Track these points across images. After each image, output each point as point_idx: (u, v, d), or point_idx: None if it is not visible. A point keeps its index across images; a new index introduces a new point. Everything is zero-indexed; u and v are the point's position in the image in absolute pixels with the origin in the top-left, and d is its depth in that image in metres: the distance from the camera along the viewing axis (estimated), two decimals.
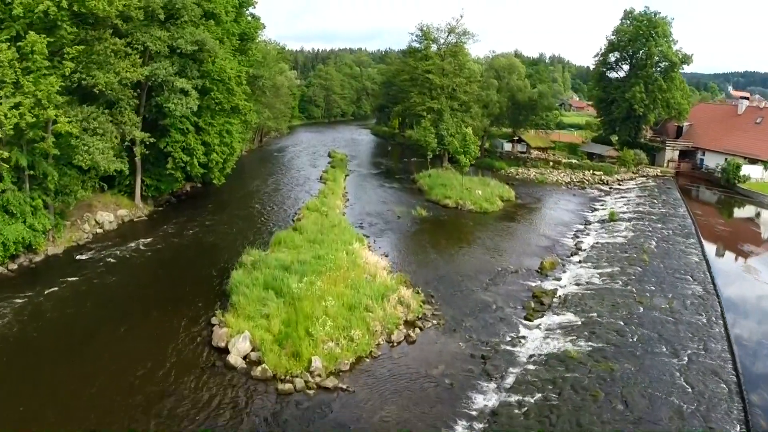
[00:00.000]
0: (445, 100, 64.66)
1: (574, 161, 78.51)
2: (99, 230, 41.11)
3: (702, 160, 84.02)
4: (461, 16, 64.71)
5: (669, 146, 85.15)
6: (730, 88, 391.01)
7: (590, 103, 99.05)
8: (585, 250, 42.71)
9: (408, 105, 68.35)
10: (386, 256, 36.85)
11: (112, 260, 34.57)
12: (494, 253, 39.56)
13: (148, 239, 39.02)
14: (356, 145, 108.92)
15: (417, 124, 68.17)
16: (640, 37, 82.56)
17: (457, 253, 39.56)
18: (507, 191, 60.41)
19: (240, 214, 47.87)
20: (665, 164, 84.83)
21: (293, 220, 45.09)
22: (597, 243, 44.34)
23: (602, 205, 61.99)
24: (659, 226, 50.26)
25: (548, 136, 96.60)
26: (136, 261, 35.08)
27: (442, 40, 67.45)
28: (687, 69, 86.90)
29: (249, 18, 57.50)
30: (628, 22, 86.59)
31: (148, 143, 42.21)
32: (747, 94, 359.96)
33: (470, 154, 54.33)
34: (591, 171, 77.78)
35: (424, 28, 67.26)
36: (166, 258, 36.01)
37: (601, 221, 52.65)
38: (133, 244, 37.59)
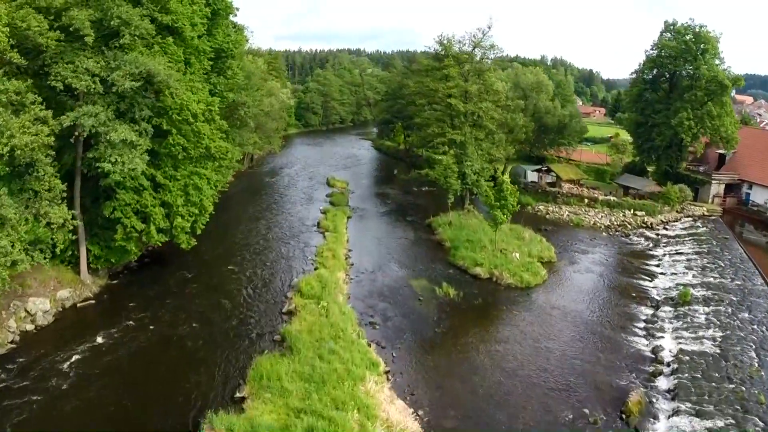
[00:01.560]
0: (469, 129, 52.36)
1: (612, 199, 66.67)
2: (30, 326, 29.89)
3: (748, 194, 72.47)
4: (489, 27, 50.94)
5: (715, 179, 73.48)
6: (733, 91, 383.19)
7: (624, 127, 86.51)
8: (669, 365, 30.83)
9: (424, 135, 55.76)
10: (413, 395, 25.07)
11: (40, 385, 23.27)
12: (556, 378, 27.73)
13: (96, 339, 28.05)
14: (357, 165, 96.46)
15: (428, 146, 55.58)
16: (685, 54, 70.68)
17: (507, 381, 27.61)
18: (546, 249, 48.58)
19: (214, 302, 35.41)
20: (710, 200, 73.20)
21: (282, 314, 33.05)
22: (681, 352, 32.44)
23: (658, 263, 50.34)
24: (746, 315, 38.24)
25: (569, 154, 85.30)
26: (76, 385, 23.97)
27: (464, 56, 54.83)
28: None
29: (229, 29, 44.88)
30: (669, 35, 74.66)
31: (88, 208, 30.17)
32: (750, 98, 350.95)
33: (507, 208, 42.62)
34: (632, 211, 65.98)
35: (445, 42, 54.72)
36: (121, 379, 24.90)
37: (671, 302, 40.81)
38: (76, 351, 26.74)
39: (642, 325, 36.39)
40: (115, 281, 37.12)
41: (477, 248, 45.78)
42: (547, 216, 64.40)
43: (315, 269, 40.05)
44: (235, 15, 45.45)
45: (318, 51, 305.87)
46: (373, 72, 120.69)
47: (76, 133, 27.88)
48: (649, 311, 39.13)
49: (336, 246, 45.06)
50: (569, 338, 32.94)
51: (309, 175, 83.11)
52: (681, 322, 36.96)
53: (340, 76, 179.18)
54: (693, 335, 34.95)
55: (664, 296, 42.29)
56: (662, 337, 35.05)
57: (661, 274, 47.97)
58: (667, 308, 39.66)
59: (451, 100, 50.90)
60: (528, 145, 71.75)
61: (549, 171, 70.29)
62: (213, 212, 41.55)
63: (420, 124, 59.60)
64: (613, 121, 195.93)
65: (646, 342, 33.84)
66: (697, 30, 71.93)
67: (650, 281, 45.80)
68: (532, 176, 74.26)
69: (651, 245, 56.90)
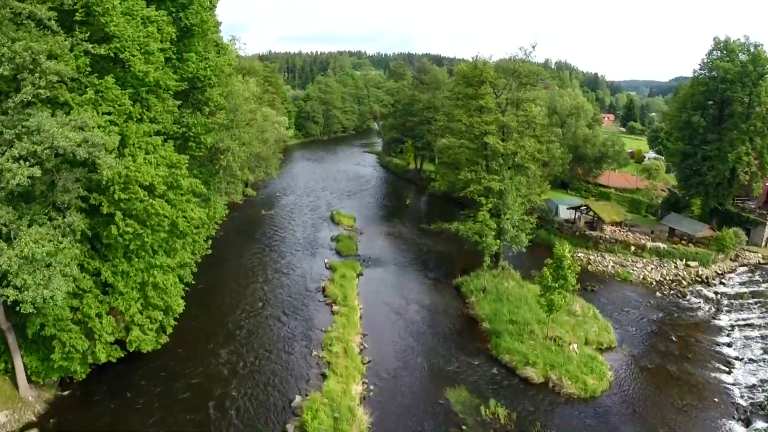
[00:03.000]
0: (509, 173, 42.41)
1: (662, 246, 57.12)
2: None
3: None
4: (533, 47, 40.90)
5: None
6: None
7: (669, 159, 75.69)
8: None
9: (452, 178, 45.53)
10: None
11: None
12: None
13: None
14: (363, 188, 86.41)
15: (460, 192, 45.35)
16: (742, 78, 61.10)
17: None
18: (604, 329, 39.13)
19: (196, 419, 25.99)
20: (763, 243, 63.97)
21: None
22: None
23: (729, 341, 41.07)
24: None
25: (596, 177, 75.90)
26: None
27: (502, 81, 44.69)
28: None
29: (208, 51, 34.59)
30: (719, 53, 65.05)
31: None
32: None
33: (567, 288, 33.27)
34: (684, 261, 56.54)
35: (479, 64, 44.59)
36: None
37: (762, 411, 31.63)
38: None
39: None
40: (66, 392, 27.59)
41: (524, 333, 36.29)
42: (589, 267, 54.91)
43: (322, 376, 30.50)
44: (216, 32, 35.50)
45: (318, 53, 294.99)
46: (378, 82, 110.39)
47: None
48: (741, 430, 30.03)
49: (347, 332, 35.35)
50: None
51: (311, 205, 73.25)
52: None
53: (342, 83, 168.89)
54: None
55: (750, 400, 33.27)
56: None
57: (737, 359, 38.81)
58: (761, 425, 30.46)
59: (489, 138, 40.83)
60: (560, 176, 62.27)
61: (588, 211, 60.68)
62: (196, 269, 32.11)
63: (447, 162, 49.49)
64: (624, 130, 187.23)
65: None
66: (753, 49, 62.44)
67: (728, 372, 36.61)
68: (564, 212, 64.66)
69: (712, 310, 47.65)
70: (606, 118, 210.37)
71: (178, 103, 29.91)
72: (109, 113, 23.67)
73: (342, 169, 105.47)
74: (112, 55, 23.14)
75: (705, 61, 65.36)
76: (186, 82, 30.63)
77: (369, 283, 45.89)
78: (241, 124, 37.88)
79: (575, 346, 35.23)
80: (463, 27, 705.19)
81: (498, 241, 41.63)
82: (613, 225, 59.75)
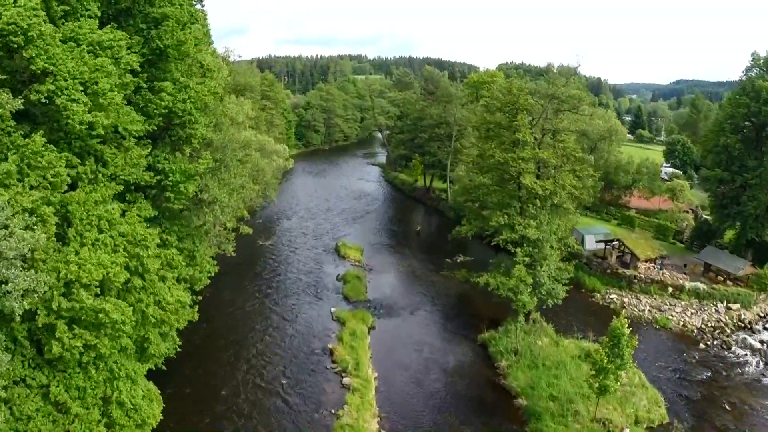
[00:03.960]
0: (546, 217, 36.60)
1: (701, 287, 51.58)
2: None
3: None
4: (578, 67, 35.30)
5: None
6: None
7: (705, 187, 69.20)
8: None
9: (475, 224, 39.58)
10: None
11: None
12: None
13: None
14: (369, 210, 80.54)
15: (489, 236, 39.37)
16: None
17: None
18: (654, 401, 33.69)
19: None
20: None
21: None
22: None
23: None
24: None
25: (618, 199, 70.18)
26: None
27: (538, 106, 38.73)
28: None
29: (190, 75, 28.56)
30: (758, 70, 59.55)
31: None
32: None
33: (623, 368, 27.81)
34: (724, 303, 51.05)
35: (514, 88, 38.46)
36: None
37: None
38: None
39: None
40: None
41: (567, 415, 30.74)
42: (624, 311, 49.20)
43: None
44: (202, 50, 29.71)
45: (319, 57, 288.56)
46: (382, 91, 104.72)
47: None
48: None
49: (362, 416, 29.65)
50: None
51: (314, 232, 67.51)
52: None
53: (344, 90, 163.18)
54: None
55: None
56: None
57: None
58: None
59: (525, 178, 34.91)
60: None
61: (621, 245, 55.00)
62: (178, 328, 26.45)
63: (471, 199, 43.47)
64: (633, 137, 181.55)
65: None
66: None
67: None
68: (590, 242, 58.82)
69: (761, 365, 42.32)
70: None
71: (149, 148, 24.24)
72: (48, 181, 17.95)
73: (345, 185, 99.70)
74: (43, 100, 17.46)
75: (742, 78, 59.93)
76: (161, 118, 24.94)
77: (382, 340, 40.17)
78: (232, 165, 31.98)
79: (628, 430, 29.69)
80: (464, 29, 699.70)
81: (534, 299, 35.94)
82: (648, 263, 54.13)
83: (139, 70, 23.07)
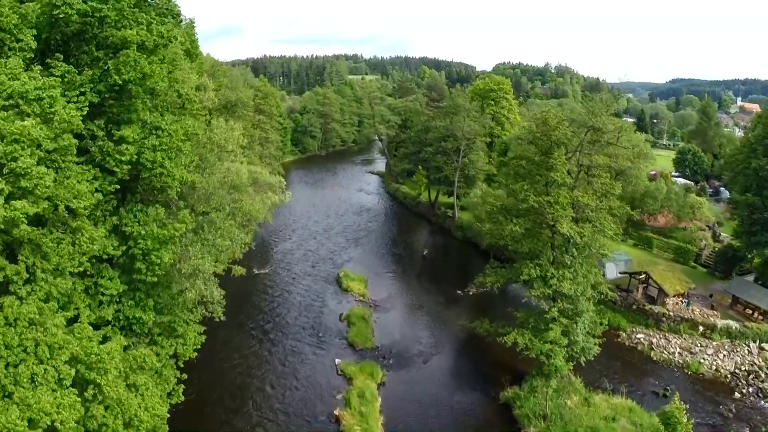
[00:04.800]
0: (582, 268, 31.92)
1: (734, 326, 47.45)
2: None
3: None
4: (616, 97, 30.32)
5: None
6: (739, 99, 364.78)
7: (736, 211, 64.55)
8: None
9: (502, 274, 34.69)
10: None
11: None
12: None
13: None
14: (371, 230, 75.53)
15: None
16: None
17: None
18: None
19: None
20: None
21: None
22: None
23: None
24: None
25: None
26: None
27: (575, 140, 33.56)
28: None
29: (173, 96, 23.81)
30: None
31: None
32: (756, 106, 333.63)
33: None
34: (757, 342, 46.87)
35: (552, 120, 32.50)
36: None
37: None
38: None
39: None
40: None
41: None
42: (653, 353, 45.02)
43: None
44: (184, 75, 24.87)
45: (314, 56, 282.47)
46: (382, 98, 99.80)
47: None
48: None
49: None
50: None
51: (313, 257, 62.64)
52: None
53: (341, 93, 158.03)
54: None
55: None
56: None
57: None
58: None
59: (562, 226, 30.16)
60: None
61: (648, 279, 50.60)
62: None
63: (496, 244, 38.38)
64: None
65: None
66: None
67: None
68: (612, 271, 54.33)
69: None
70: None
71: (112, 203, 19.44)
72: None
73: (344, 197, 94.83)
74: None
75: None
76: (126, 170, 20.10)
77: (394, 400, 35.50)
78: (219, 220, 26.80)
79: None
80: (459, 28, 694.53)
81: (569, 363, 31.43)
82: (677, 297, 49.79)
83: (80, 117, 18.08)
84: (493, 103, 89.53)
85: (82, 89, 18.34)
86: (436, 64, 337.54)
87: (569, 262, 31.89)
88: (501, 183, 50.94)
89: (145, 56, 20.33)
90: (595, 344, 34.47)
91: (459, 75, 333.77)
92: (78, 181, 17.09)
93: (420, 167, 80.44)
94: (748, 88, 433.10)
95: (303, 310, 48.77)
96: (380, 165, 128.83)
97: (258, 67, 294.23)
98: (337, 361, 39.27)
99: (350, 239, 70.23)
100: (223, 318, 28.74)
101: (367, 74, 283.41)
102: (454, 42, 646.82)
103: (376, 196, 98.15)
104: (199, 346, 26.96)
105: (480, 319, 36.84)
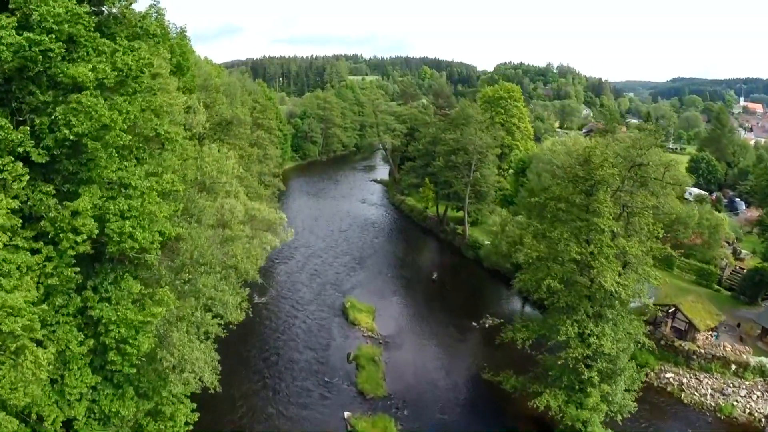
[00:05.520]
0: (623, 323, 28.14)
1: (766, 363, 44.03)
2: None
3: None
4: (666, 130, 26.66)
5: None
6: (742, 99, 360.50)
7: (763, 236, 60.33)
8: None
9: (534, 329, 30.37)
10: None
11: None
12: None
13: None
14: (375, 249, 71.51)
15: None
16: None
17: None
18: None
19: None
20: None
21: None
22: None
23: None
24: None
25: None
26: None
27: (619, 177, 29.40)
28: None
29: (152, 144, 19.98)
30: None
31: None
32: (759, 106, 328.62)
33: None
34: None
35: (596, 154, 28.34)
36: None
37: None
38: None
39: None
40: None
41: None
42: (683, 395, 41.52)
43: None
44: (165, 114, 21.01)
45: (314, 57, 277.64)
46: (387, 107, 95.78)
47: None
48: None
49: None
50: None
51: (316, 282, 58.82)
52: None
53: (342, 97, 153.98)
54: None
55: None
56: None
57: None
58: None
59: (606, 280, 26.25)
60: None
61: (676, 312, 46.94)
62: None
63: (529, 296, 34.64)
64: None
65: None
66: None
67: None
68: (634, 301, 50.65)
69: None
70: (619, 131, 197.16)
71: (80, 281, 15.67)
72: None
73: (347, 210, 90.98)
74: None
75: None
76: (89, 241, 16.32)
77: None
78: (208, 290, 22.60)
79: None
80: (460, 28, 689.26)
81: (608, 430, 27.80)
82: (707, 332, 46.17)
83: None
84: (502, 111, 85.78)
85: (23, 148, 14.52)
86: (437, 65, 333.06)
87: (611, 316, 28.18)
88: (520, 208, 47.39)
89: (106, 97, 16.42)
90: (633, 399, 30.87)
91: (460, 75, 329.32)
92: (13, 287, 13.34)
93: (427, 180, 76.65)
94: (750, 87, 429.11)
95: (308, 346, 45.03)
96: (382, 171, 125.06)
97: (257, 68, 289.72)
98: (346, 414, 35.54)
99: (355, 259, 66.48)
100: (219, 389, 24.93)
101: (367, 75, 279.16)
102: (454, 42, 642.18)
103: (381, 208, 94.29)
104: (191, 426, 23.22)
105: (505, 372, 33.12)
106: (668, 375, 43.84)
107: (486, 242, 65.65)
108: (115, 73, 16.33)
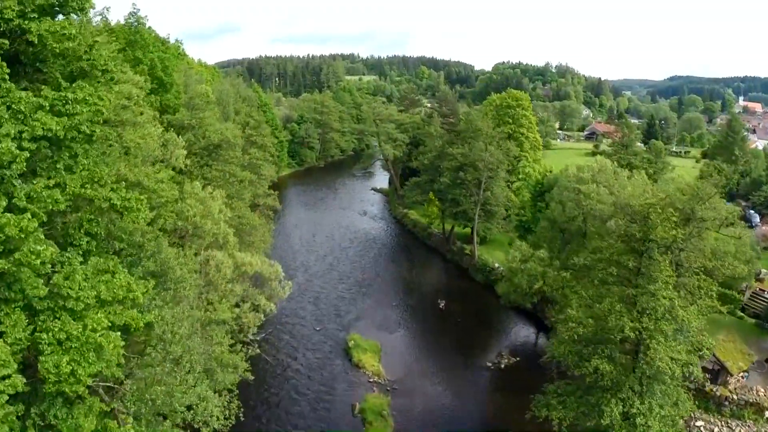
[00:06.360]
0: (675, 394, 24.16)
1: None
2: None
3: None
4: (725, 187, 25.15)
5: None
6: (740, 98, 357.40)
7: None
8: None
9: (572, 409, 26.11)
10: None
11: None
12: None
13: None
14: (378, 272, 67.20)
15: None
16: None
17: None
18: None
19: None
20: None
21: None
22: None
23: None
24: None
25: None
26: None
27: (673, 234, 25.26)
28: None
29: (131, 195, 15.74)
30: None
31: None
32: (758, 105, 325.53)
33: None
34: None
35: (654, 216, 23.59)
36: None
37: None
38: None
39: None
40: None
41: None
42: None
43: None
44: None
45: (311, 57, 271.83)
46: (389, 115, 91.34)
47: None
48: None
49: None
50: None
51: (315, 313, 54.51)
52: None
53: (340, 100, 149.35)
54: None
55: None
56: None
57: None
58: None
59: (661, 360, 22.01)
60: None
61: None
62: None
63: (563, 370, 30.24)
64: (646, 149, 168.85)
65: None
66: None
67: None
68: None
69: None
70: (614, 129, 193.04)
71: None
72: None
73: (347, 224, 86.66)
74: None
75: None
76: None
77: None
78: (186, 396, 18.75)
79: None
80: (458, 27, 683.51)
81: None
82: (740, 374, 42.39)
83: None
84: (510, 120, 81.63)
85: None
86: (435, 64, 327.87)
87: (659, 393, 24.17)
88: (540, 240, 43.40)
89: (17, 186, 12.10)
90: None
91: (458, 75, 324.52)
92: None
93: (432, 195, 72.41)
94: (748, 85, 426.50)
95: (308, 396, 40.80)
96: (382, 179, 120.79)
97: (253, 68, 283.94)
98: None
99: (358, 283, 62.28)
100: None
101: (364, 75, 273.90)
102: (452, 40, 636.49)
103: (382, 222, 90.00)
104: None
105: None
106: (699, 423, 40.06)
107: (496, 264, 61.64)
108: (33, 145, 11.96)
